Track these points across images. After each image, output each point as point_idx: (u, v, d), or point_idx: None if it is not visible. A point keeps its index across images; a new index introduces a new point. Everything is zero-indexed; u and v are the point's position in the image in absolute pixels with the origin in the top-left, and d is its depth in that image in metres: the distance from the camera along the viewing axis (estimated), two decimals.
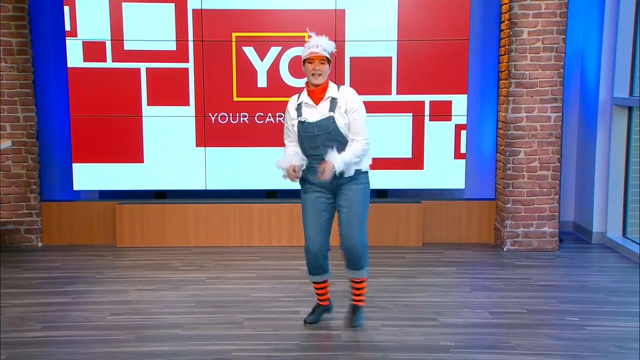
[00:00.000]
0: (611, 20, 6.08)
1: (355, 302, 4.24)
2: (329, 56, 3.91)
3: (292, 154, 4.02)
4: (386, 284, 5.11)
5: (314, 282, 4.22)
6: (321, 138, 3.88)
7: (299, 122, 3.93)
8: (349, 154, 3.88)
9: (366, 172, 4.05)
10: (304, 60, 3.92)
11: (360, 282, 4.17)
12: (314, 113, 3.91)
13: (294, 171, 3.91)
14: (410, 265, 5.61)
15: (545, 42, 5.86)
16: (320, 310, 4.31)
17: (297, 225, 6.17)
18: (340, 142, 3.91)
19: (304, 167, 4.00)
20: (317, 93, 3.92)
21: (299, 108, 3.96)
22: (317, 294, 4.28)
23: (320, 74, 3.89)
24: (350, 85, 6.07)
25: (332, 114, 3.88)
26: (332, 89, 3.95)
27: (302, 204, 4.08)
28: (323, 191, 4.01)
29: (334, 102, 3.90)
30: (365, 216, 4.06)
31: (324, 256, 4.10)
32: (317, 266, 4.11)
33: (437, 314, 4.45)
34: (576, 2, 6.38)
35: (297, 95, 4.05)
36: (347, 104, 3.90)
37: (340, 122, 3.89)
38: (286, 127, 4.07)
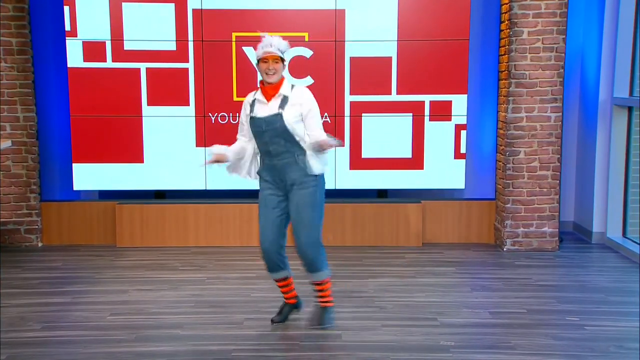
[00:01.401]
0: (611, 20, 6.07)
1: (322, 305, 4.23)
2: (282, 56, 3.95)
3: (235, 147, 4.11)
4: (386, 284, 5.11)
5: (275, 280, 4.25)
6: (269, 134, 3.93)
7: (251, 117, 4.00)
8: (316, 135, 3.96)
9: (316, 175, 4.02)
10: (258, 60, 3.96)
11: (321, 283, 4.17)
12: (264, 109, 3.96)
13: (217, 160, 4.03)
14: (410, 265, 5.61)
15: (545, 42, 5.86)
16: (288, 309, 4.33)
17: None
18: (288, 140, 3.94)
19: (260, 167, 4.09)
20: (269, 90, 3.97)
21: (252, 104, 4.03)
22: (281, 292, 4.31)
23: (274, 73, 3.93)
24: (350, 85, 6.09)
25: (280, 111, 3.92)
26: (285, 87, 3.99)
27: (259, 200, 4.15)
28: (276, 189, 4.06)
29: (285, 99, 3.95)
30: (314, 219, 4.02)
31: (277, 253, 4.10)
32: (271, 263, 4.13)
33: (437, 314, 4.45)
34: (576, 2, 6.38)
35: (253, 92, 4.10)
36: (302, 105, 3.95)
37: (289, 120, 3.92)
38: (241, 122, 4.15)
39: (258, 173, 4.14)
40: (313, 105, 4.00)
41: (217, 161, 4.07)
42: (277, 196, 4.06)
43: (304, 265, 4.10)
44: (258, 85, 4.08)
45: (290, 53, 6.01)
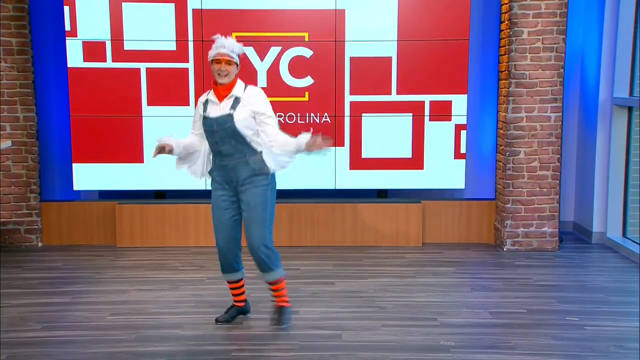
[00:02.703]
0: (611, 20, 6.07)
1: (278, 305, 4.23)
2: (235, 58, 3.97)
3: (184, 141, 4.12)
4: (386, 284, 5.11)
5: (227, 281, 4.26)
6: (219, 134, 3.95)
7: (203, 117, 4.01)
8: (287, 143, 3.98)
9: (267, 174, 4.05)
10: (211, 61, 3.98)
11: (275, 283, 4.17)
12: (216, 110, 3.98)
13: (163, 148, 4.04)
14: (410, 265, 5.61)
15: (545, 42, 5.86)
16: (234, 311, 4.33)
17: (296, 226, 6.18)
18: (239, 141, 3.96)
19: (211, 167, 4.12)
20: (221, 91, 3.99)
21: (205, 103, 4.04)
22: (232, 294, 4.31)
23: (226, 75, 3.95)
24: (350, 85, 6.08)
25: (232, 111, 3.94)
26: (238, 88, 4.01)
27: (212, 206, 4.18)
28: (226, 190, 4.08)
29: (236, 100, 3.97)
30: (265, 219, 4.04)
31: (233, 254, 4.12)
32: (226, 264, 4.15)
33: (437, 314, 4.45)
34: (576, 2, 6.38)
35: (207, 92, 4.11)
36: (253, 106, 3.96)
37: (240, 121, 3.93)
38: (194, 120, 4.16)
39: (209, 172, 4.17)
40: (266, 107, 4.00)
41: (162, 151, 4.06)
42: (228, 197, 4.08)
43: (257, 264, 4.11)
44: (212, 85, 4.09)
45: (290, 53, 6.07)
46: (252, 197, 4.01)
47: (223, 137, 3.95)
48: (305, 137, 3.92)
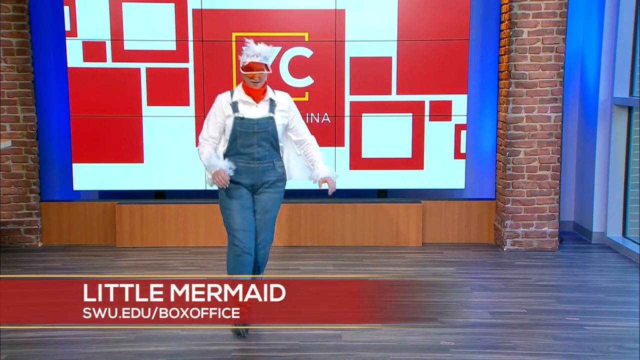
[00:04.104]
0: (611, 20, 6.07)
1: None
2: (268, 64, 4.00)
3: (214, 155, 3.98)
4: (386, 284, 5.11)
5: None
6: (258, 136, 3.94)
7: (237, 117, 3.94)
8: (319, 158, 4.12)
9: (286, 180, 4.14)
10: (243, 66, 3.97)
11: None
12: (254, 111, 3.96)
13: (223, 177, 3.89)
14: (410, 265, 5.61)
15: (545, 42, 5.86)
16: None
17: (296, 226, 6.18)
18: (273, 145, 4.00)
19: (231, 170, 3.96)
20: (258, 93, 3.98)
21: (234, 105, 3.97)
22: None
23: (259, 81, 3.96)
24: (350, 85, 6.09)
25: (272, 114, 3.96)
26: (270, 91, 4.04)
27: (225, 204, 4.01)
28: (246, 189, 4.03)
29: (273, 103, 4.00)
30: (274, 223, 4.14)
31: (253, 237, 4.03)
32: (247, 249, 3.96)
33: (437, 314, 4.45)
34: (576, 2, 6.38)
35: (229, 93, 4.05)
36: (289, 111, 4.03)
37: (279, 124, 3.98)
38: (212, 122, 4.00)
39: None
40: (297, 110, 4.12)
41: (225, 181, 3.95)
42: (247, 192, 4.02)
43: (256, 264, 4.10)
44: (236, 86, 4.08)
45: (290, 53, 6.07)
46: (271, 201, 4.03)
47: (260, 139, 3.94)
48: (325, 173, 4.04)
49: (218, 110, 4.01)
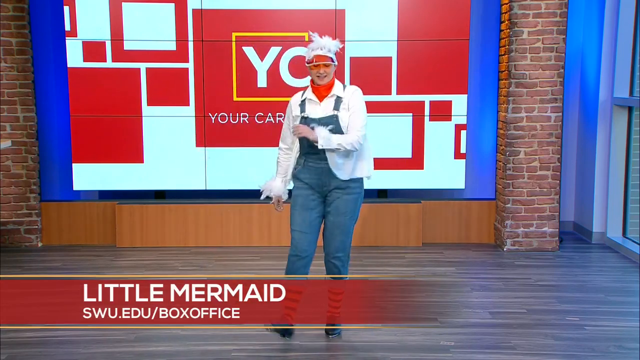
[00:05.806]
0: (611, 20, 6.07)
1: (330, 312, 3.96)
2: (334, 57, 3.85)
3: (281, 175, 3.96)
4: (386, 284, 5.11)
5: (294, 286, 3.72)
6: None
7: (302, 117, 3.86)
8: (337, 136, 3.77)
9: (361, 180, 3.95)
10: (308, 62, 3.85)
11: (337, 292, 3.90)
12: (317, 110, 3.85)
13: (278, 202, 3.96)
14: (410, 265, 5.61)
15: (545, 42, 5.86)
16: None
17: None
18: None
19: (297, 168, 3.90)
20: (322, 90, 3.86)
21: (302, 104, 3.90)
22: (286, 306, 3.69)
23: (325, 76, 3.83)
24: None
25: (336, 112, 3.83)
26: (337, 88, 3.89)
27: (291, 202, 3.95)
28: (314, 191, 3.89)
29: (338, 100, 3.85)
30: (351, 226, 3.91)
31: (310, 258, 3.87)
32: (302, 270, 3.82)
33: (437, 314, 4.45)
34: (576, 2, 6.38)
35: (301, 92, 3.99)
36: (349, 103, 3.85)
37: (344, 121, 3.83)
38: (285, 128, 4.00)
39: (294, 175, 3.95)
40: (361, 105, 3.89)
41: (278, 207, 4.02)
42: (316, 197, 3.88)
43: (327, 270, 3.94)
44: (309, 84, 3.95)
45: (290, 53, 6.07)
46: (345, 203, 3.85)
47: None
48: (319, 129, 3.77)
49: (288, 111, 3.96)
